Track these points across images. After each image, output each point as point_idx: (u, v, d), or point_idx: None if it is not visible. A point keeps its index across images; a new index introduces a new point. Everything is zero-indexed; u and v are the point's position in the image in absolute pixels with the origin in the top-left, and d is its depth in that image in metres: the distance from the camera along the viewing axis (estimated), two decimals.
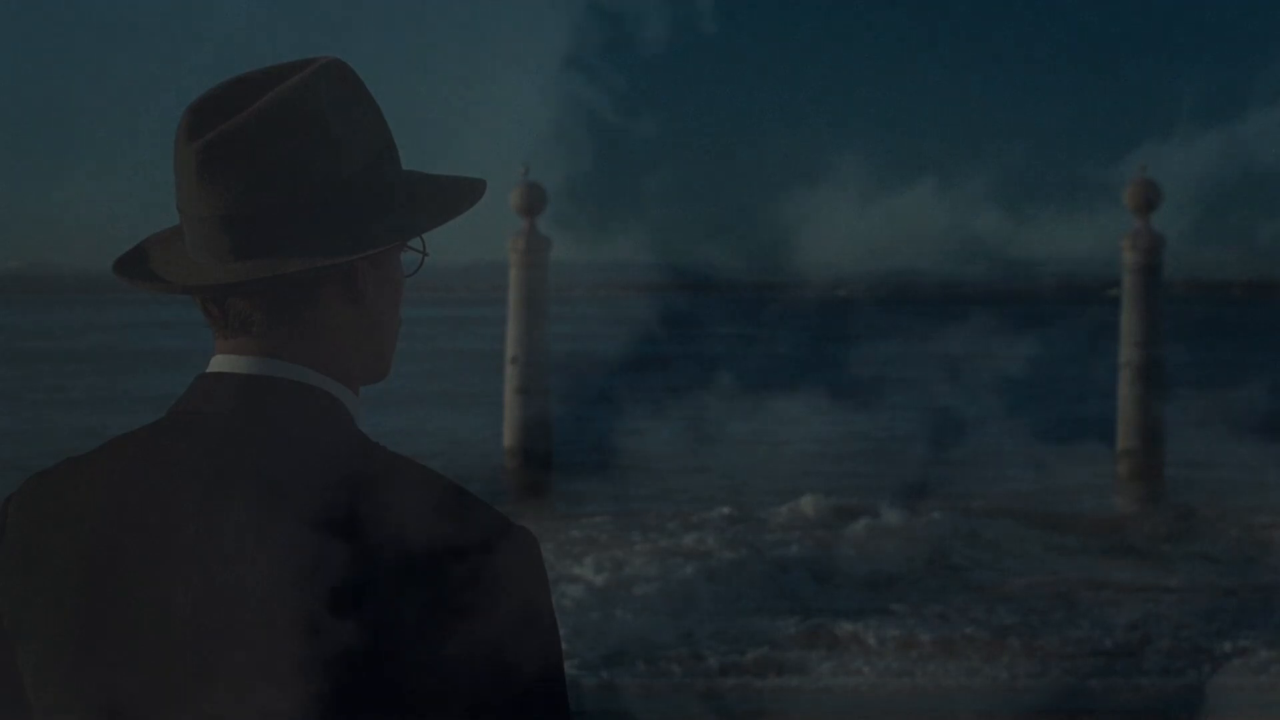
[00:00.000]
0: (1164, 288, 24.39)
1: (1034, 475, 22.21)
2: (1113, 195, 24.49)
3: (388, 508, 1.65)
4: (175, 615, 1.65)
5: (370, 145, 1.78)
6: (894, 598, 14.98)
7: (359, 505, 1.65)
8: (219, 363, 1.76)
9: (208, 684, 1.63)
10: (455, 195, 1.82)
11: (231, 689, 1.62)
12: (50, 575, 1.71)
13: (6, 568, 1.75)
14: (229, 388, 1.74)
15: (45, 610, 1.71)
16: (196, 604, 1.64)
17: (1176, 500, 21.57)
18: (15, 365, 45.98)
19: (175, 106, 1.77)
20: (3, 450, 23.69)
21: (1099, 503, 21.70)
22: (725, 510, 19.23)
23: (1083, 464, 23.00)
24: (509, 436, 24.24)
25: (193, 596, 1.65)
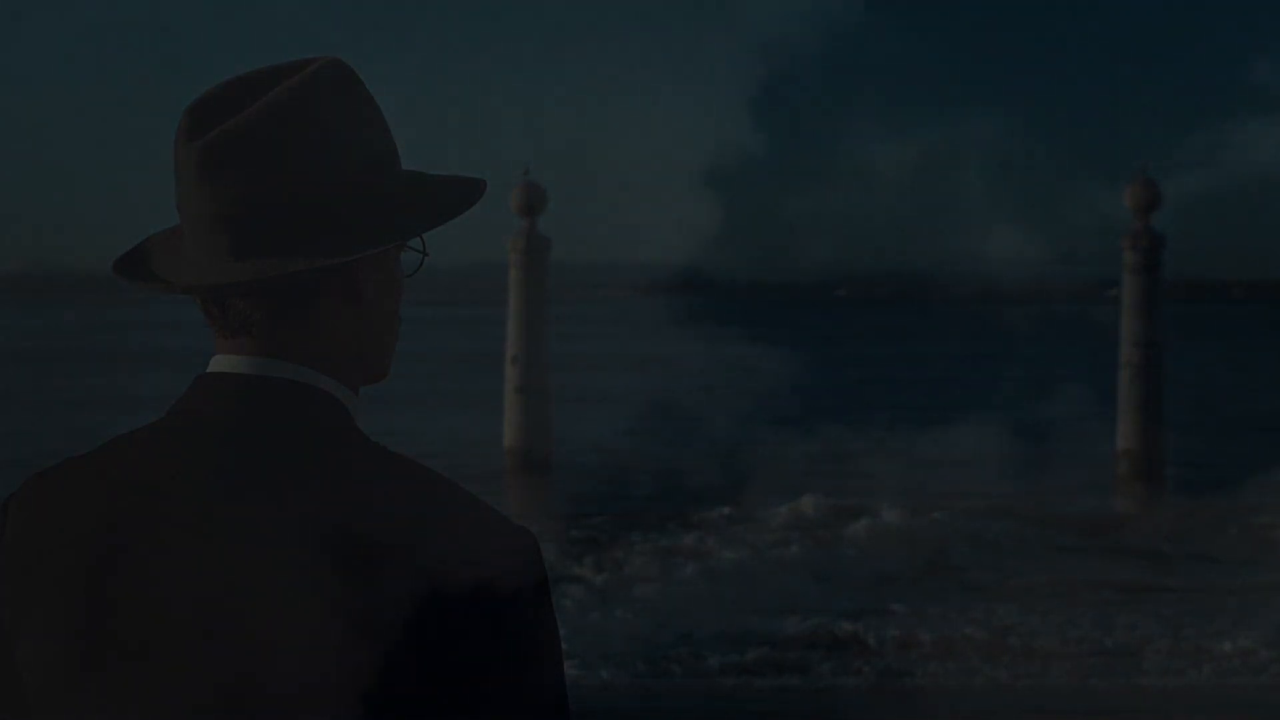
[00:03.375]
0: (1164, 288, 24.39)
1: (1034, 475, 22.20)
2: (1113, 195, 24.50)
3: (388, 508, 1.65)
4: (176, 617, 1.65)
5: (370, 145, 1.78)
6: (894, 598, 14.97)
7: (360, 505, 1.65)
8: (219, 363, 1.76)
9: (210, 686, 1.63)
10: (455, 195, 1.81)
11: (234, 691, 1.62)
12: (50, 576, 1.71)
13: (6, 568, 1.75)
14: (229, 388, 1.74)
15: (45, 610, 1.71)
16: (197, 605, 1.64)
17: (1176, 500, 21.58)
18: (15, 365, 45.97)
19: (175, 106, 1.77)
20: (3, 450, 23.68)
21: (1099, 503, 21.70)
22: (725, 510, 19.23)
23: (1083, 464, 23.00)
24: (509, 436, 24.25)
25: (194, 598, 1.65)
